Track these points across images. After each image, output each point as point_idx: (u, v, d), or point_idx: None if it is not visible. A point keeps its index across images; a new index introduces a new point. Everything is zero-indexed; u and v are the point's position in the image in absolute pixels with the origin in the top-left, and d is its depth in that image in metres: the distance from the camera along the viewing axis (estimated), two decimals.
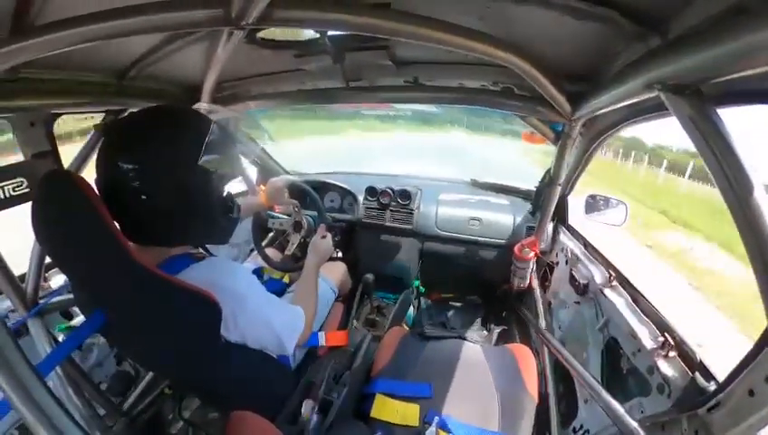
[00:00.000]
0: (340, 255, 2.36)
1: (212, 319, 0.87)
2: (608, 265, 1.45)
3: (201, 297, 0.83)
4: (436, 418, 1.20)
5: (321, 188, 2.36)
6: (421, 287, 2.49)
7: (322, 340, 1.32)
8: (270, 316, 1.02)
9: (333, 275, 1.82)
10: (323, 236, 1.49)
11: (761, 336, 0.68)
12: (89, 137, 1.28)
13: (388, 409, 1.26)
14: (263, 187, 1.75)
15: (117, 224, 0.82)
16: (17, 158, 1.11)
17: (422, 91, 1.45)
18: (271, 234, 2.06)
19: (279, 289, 1.63)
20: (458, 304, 2.51)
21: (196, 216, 0.91)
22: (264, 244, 2.06)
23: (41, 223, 0.81)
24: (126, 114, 0.94)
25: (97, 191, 0.81)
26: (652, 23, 0.74)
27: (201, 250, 1.13)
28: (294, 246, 1.90)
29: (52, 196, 0.80)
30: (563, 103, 1.16)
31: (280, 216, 1.92)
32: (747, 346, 0.67)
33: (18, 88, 0.97)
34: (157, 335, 0.89)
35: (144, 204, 0.83)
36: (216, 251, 1.13)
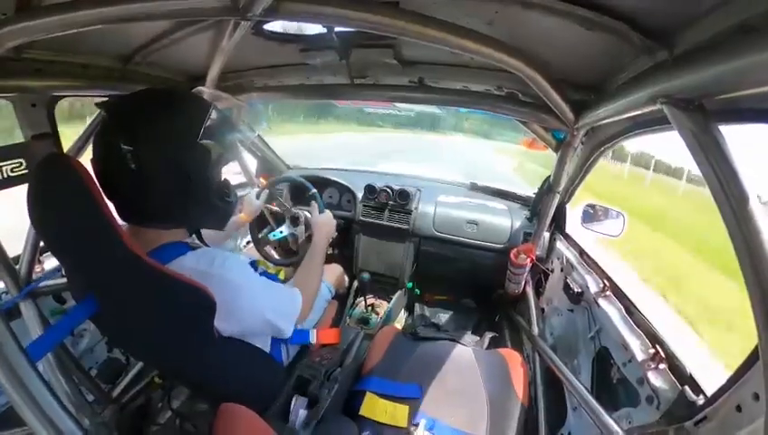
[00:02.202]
0: (336, 252, 2.37)
1: (205, 312, 0.86)
2: (602, 274, 1.46)
3: (195, 289, 0.82)
4: (423, 420, 1.20)
5: (320, 183, 2.36)
6: (416, 289, 2.49)
7: (314, 338, 1.32)
8: (266, 304, 1.01)
9: (331, 276, 1.82)
10: (321, 212, 1.55)
11: (750, 353, 0.68)
12: (90, 120, 1.28)
13: (377, 408, 1.26)
14: (263, 180, 1.76)
15: (113, 204, 0.82)
16: None
17: (426, 91, 1.45)
18: (267, 227, 2.06)
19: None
20: (452, 307, 2.51)
21: (193, 196, 0.90)
22: (261, 239, 2.06)
23: (35, 206, 0.81)
24: (125, 96, 0.95)
25: (93, 172, 0.81)
26: (660, 37, 0.74)
27: (196, 240, 1.13)
28: (302, 238, 1.90)
29: (49, 179, 0.80)
30: (567, 112, 1.16)
31: (280, 233, 1.91)
32: None
33: (21, 68, 0.97)
34: (147, 326, 0.88)
35: (141, 183, 0.82)
36: (212, 241, 1.13)
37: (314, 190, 1.73)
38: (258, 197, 1.80)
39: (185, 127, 0.86)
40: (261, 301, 1.01)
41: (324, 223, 1.53)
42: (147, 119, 0.83)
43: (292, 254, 1.63)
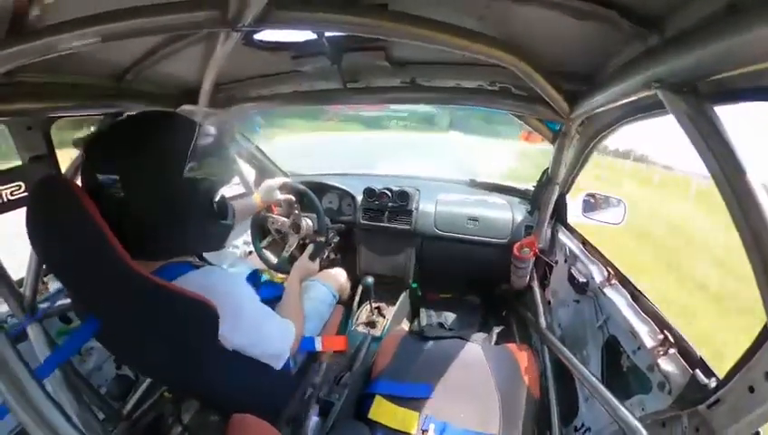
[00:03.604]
0: (338, 256, 2.37)
1: (209, 325, 0.86)
2: (606, 263, 1.45)
3: (198, 303, 0.82)
4: (433, 425, 1.20)
5: (320, 189, 2.36)
6: (420, 289, 2.49)
7: (320, 345, 1.31)
8: (264, 328, 1.02)
9: (334, 281, 1.82)
10: (312, 258, 1.55)
11: (760, 333, 0.68)
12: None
13: (386, 412, 1.25)
14: (256, 192, 1.76)
15: None
16: None
17: (419, 91, 1.45)
18: (269, 236, 2.06)
19: (277, 294, 1.63)
20: (458, 304, 2.51)
21: (186, 226, 0.89)
22: (262, 245, 2.06)
23: (35, 228, 0.81)
24: (106, 126, 0.93)
25: None
26: (650, 22, 0.74)
27: (198, 259, 1.13)
28: (293, 247, 1.90)
29: (46, 201, 0.80)
30: (561, 103, 1.16)
31: (279, 217, 1.92)
32: None
33: (15, 91, 0.97)
34: (152, 341, 0.88)
35: (130, 218, 0.81)
36: (214, 254, 1.13)
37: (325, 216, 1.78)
38: (280, 189, 1.77)
39: (170, 157, 0.84)
40: (262, 323, 1.01)
41: (304, 267, 1.51)
42: (128, 153, 0.81)
43: (293, 261, 1.64)
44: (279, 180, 1.77)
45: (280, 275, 2.04)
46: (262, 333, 1.00)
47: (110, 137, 0.85)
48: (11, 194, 1.01)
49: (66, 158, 1.20)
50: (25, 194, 1.04)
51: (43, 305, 1.27)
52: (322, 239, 1.80)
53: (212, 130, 0.94)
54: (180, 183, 0.84)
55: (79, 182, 0.83)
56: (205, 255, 1.20)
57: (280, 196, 1.77)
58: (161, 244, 0.89)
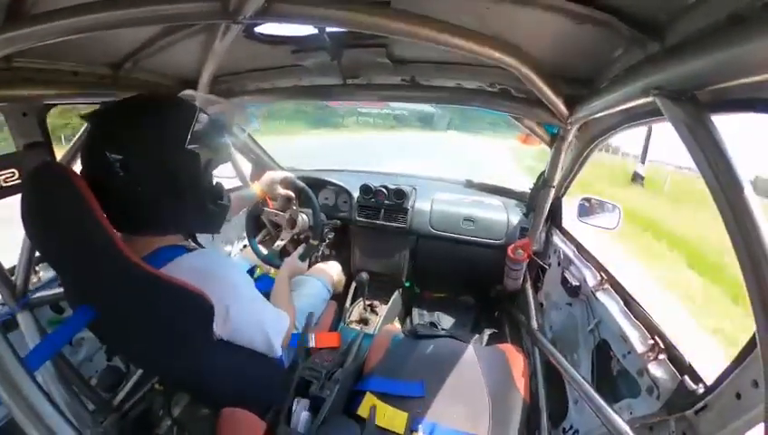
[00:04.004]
0: (333, 253, 2.37)
1: (203, 317, 0.86)
2: (599, 267, 1.46)
3: (193, 295, 0.82)
4: (421, 426, 1.20)
5: (316, 185, 2.36)
6: (414, 287, 2.49)
7: (313, 341, 1.31)
8: (260, 312, 1.02)
9: (328, 274, 1.82)
10: (302, 258, 1.57)
11: (748, 341, 0.69)
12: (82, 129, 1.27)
13: (375, 409, 1.25)
14: (257, 183, 1.75)
15: (105, 214, 0.80)
16: None
17: (419, 90, 1.45)
18: (264, 230, 2.06)
19: (271, 287, 1.63)
20: (451, 304, 2.51)
21: (185, 202, 0.90)
22: (257, 239, 2.05)
23: (29, 215, 0.80)
24: (112, 104, 0.93)
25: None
26: (651, 29, 0.75)
27: (192, 243, 1.12)
28: (285, 241, 1.90)
29: (42, 188, 0.80)
30: (560, 106, 1.16)
31: (276, 211, 1.92)
32: None
33: (12, 77, 0.96)
34: (145, 332, 0.88)
35: (131, 191, 0.82)
36: (208, 247, 1.12)
37: (321, 213, 1.79)
38: (280, 183, 1.76)
39: (172, 133, 0.86)
40: (258, 307, 1.01)
41: (293, 265, 1.53)
42: (133, 126, 0.83)
43: (285, 255, 1.64)
44: (281, 174, 1.76)
45: (273, 271, 2.04)
46: (256, 317, 1.00)
47: (115, 114, 0.86)
48: (4, 181, 1.00)
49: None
50: (19, 181, 1.03)
51: (35, 295, 1.26)
52: (315, 241, 1.80)
53: (218, 114, 0.96)
54: (181, 160, 0.86)
55: (75, 167, 0.83)
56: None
57: (281, 190, 1.76)
58: (160, 220, 0.90)
